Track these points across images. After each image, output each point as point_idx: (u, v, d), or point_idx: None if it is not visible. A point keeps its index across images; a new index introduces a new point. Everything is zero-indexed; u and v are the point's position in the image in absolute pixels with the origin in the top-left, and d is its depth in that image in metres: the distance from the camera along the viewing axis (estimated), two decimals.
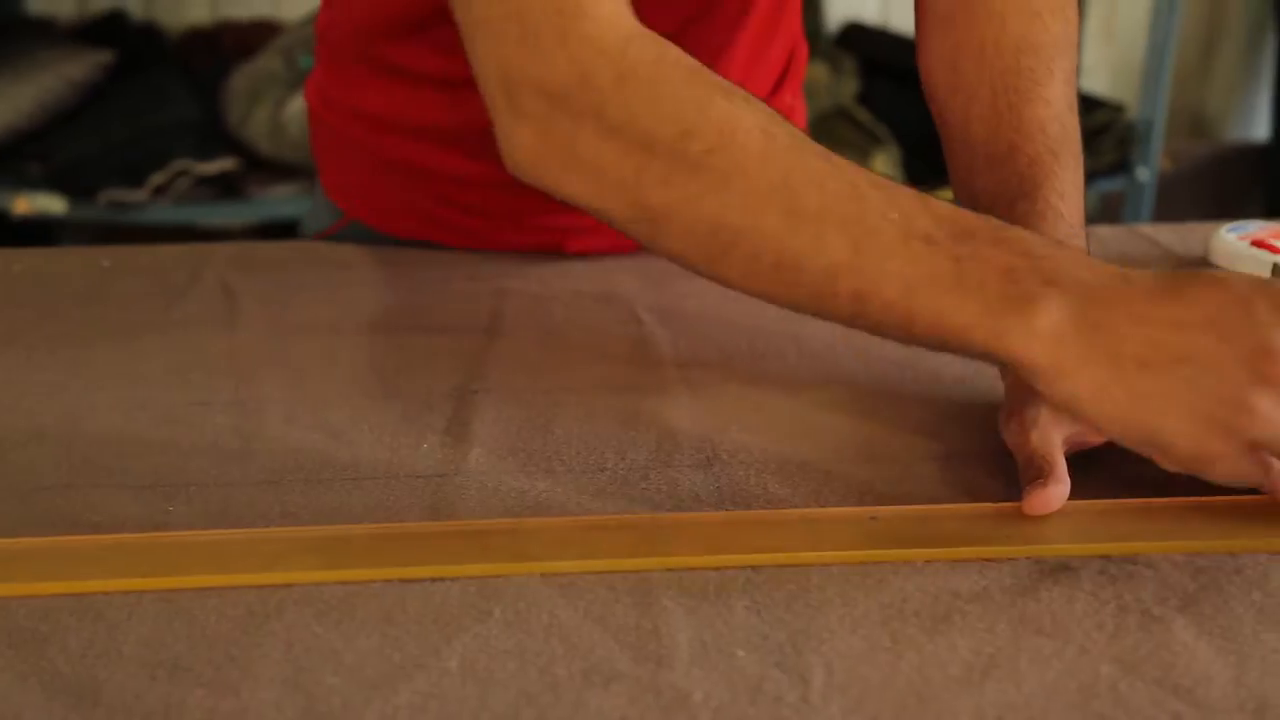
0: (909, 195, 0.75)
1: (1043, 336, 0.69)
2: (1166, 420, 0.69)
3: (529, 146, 0.77)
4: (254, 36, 2.97)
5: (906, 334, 0.74)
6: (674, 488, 0.77)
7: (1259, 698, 0.59)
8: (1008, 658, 0.61)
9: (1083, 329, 0.69)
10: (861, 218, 0.72)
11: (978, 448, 0.81)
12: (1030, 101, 0.92)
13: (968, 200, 0.92)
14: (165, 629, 0.63)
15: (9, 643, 0.62)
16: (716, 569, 0.68)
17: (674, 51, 0.76)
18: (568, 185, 0.77)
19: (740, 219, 0.73)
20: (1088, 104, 2.91)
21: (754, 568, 0.68)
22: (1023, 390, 0.79)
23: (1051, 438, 0.76)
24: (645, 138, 0.74)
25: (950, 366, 0.92)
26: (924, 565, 0.68)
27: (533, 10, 0.75)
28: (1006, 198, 0.88)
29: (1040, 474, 0.74)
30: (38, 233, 2.81)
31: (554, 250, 1.18)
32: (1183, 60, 3.30)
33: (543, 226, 1.17)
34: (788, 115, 1.21)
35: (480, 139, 1.10)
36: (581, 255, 1.18)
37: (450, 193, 1.17)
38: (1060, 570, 0.68)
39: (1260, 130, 3.39)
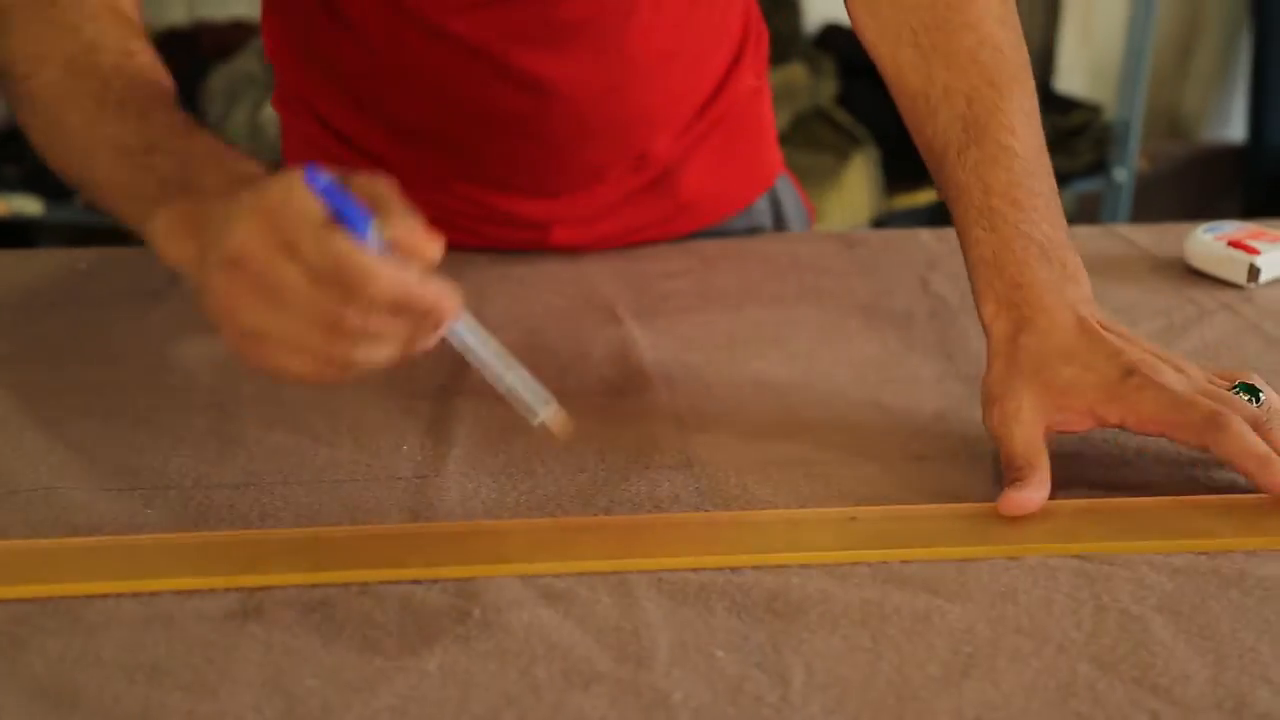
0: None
1: (158, 236, 0.73)
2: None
3: None
4: (231, 37, 2.97)
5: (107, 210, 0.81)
6: (654, 489, 0.77)
7: (1236, 696, 0.59)
8: (986, 657, 0.61)
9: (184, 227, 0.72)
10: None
11: (956, 448, 0.82)
12: (954, 32, 0.89)
13: (924, 150, 0.90)
14: (144, 632, 0.63)
15: None
16: (696, 569, 0.68)
17: None
18: None
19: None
20: (1065, 105, 2.93)
21: (734, 569, 0.68)
22: (1003, 377, 0.80)
23: (1035, 435, 0.77)
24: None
25: (928, 365, 0.93)
26: (902, 565, 0.69)
27: None
28: (956, 146, 0.87)
29: (1021, 475, 0.74)
30: (14, 234, 2.80)
31: (538, 245, 1.18)
32: (1159, 62, 3.31)
33: (523, 220, 1.17)
34: (751, 97, 1.22)
35: (436, 134, 1.10)
36: (565, 249, 1.18)
37: (420, 191, 1.16)
38: (1038, 570, 0.68)
39: (1236, 131, 3.40)
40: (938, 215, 2.82)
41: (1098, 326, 0.80)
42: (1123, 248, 1.18)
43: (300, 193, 0.62)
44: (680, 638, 0.63)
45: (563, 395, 0.88)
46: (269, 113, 2.64)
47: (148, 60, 0.86)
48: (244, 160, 0.77)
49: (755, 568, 0.68)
